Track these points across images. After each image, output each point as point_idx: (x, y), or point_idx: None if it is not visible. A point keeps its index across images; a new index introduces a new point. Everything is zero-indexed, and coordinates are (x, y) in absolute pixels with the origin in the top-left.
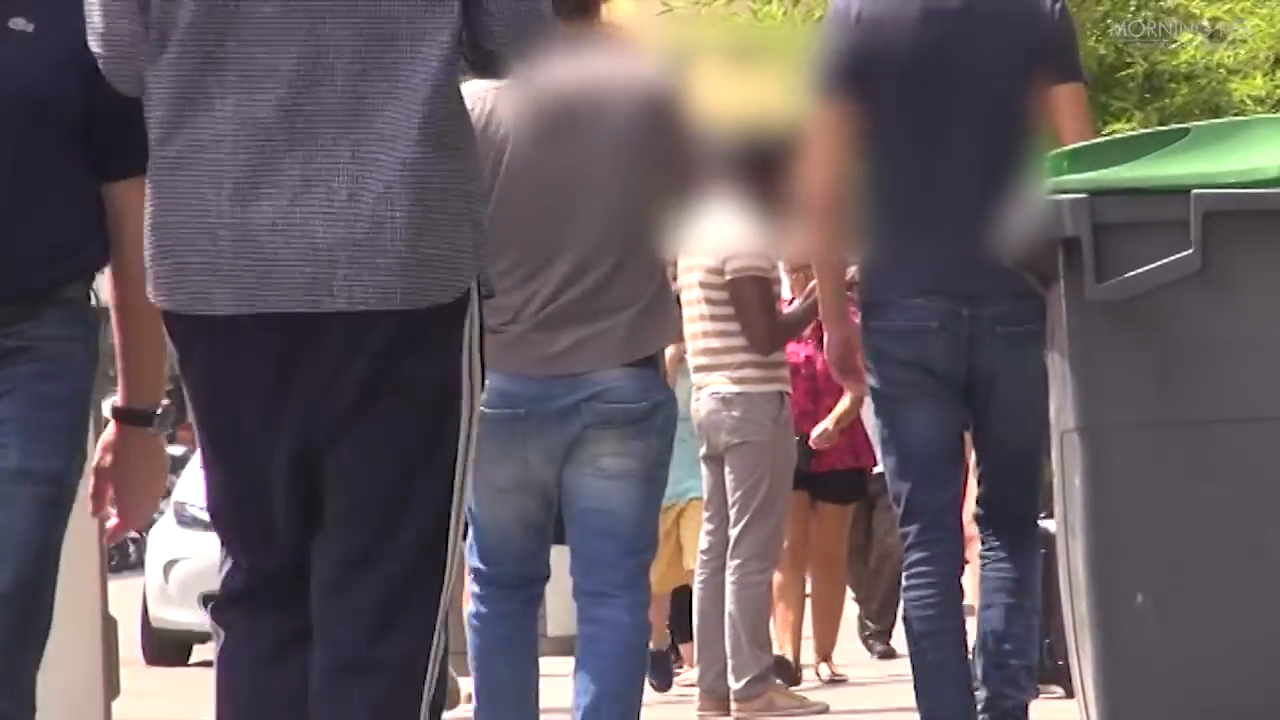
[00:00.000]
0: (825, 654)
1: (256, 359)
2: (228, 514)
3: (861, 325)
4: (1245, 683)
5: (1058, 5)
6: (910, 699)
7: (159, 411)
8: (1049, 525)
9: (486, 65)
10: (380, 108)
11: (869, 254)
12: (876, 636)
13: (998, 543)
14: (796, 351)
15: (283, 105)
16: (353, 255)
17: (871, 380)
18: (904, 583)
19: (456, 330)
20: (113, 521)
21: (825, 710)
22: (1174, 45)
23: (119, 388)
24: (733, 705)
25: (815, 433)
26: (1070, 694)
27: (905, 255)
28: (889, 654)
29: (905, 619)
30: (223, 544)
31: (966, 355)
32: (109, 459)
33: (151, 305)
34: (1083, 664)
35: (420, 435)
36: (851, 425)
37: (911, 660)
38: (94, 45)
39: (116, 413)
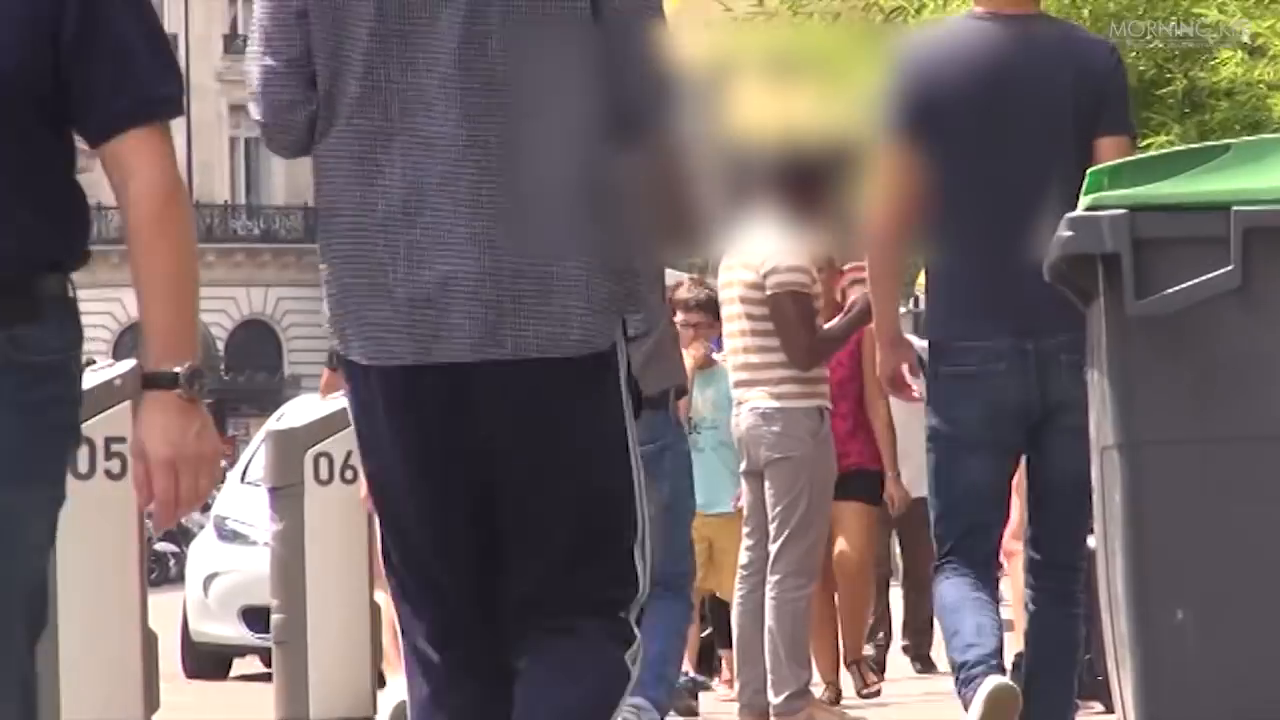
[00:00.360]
0: (856, 657)
1: (432, 403)
2: (389, 515)
3: (930, 366)
4: None
5: (1114, 57)
6: (952, 712)
7: (187, 371)
8: (1090, 542)
9: (627, 126)
10: (543, 170)
11: (934, 292)
12: (915, 655)
13: (1044, 585)
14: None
15: (445, 172)
16: (517, 309)
17: (934, 421)
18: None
19: (614, 371)
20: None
21: None
22: (1214, 61)
23: (142, 353)
24: None
25: None
26: (1110, 709)
27: (969, 295)
28: (928, 668)
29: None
30: (384, 544)
31: (1037, 386)
32: (139, 433)
33: (169, 257)
34: (1123, 680)
35: (591, 470)
36: (867, 426)
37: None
38: (254, 112)
39: (143, 381)
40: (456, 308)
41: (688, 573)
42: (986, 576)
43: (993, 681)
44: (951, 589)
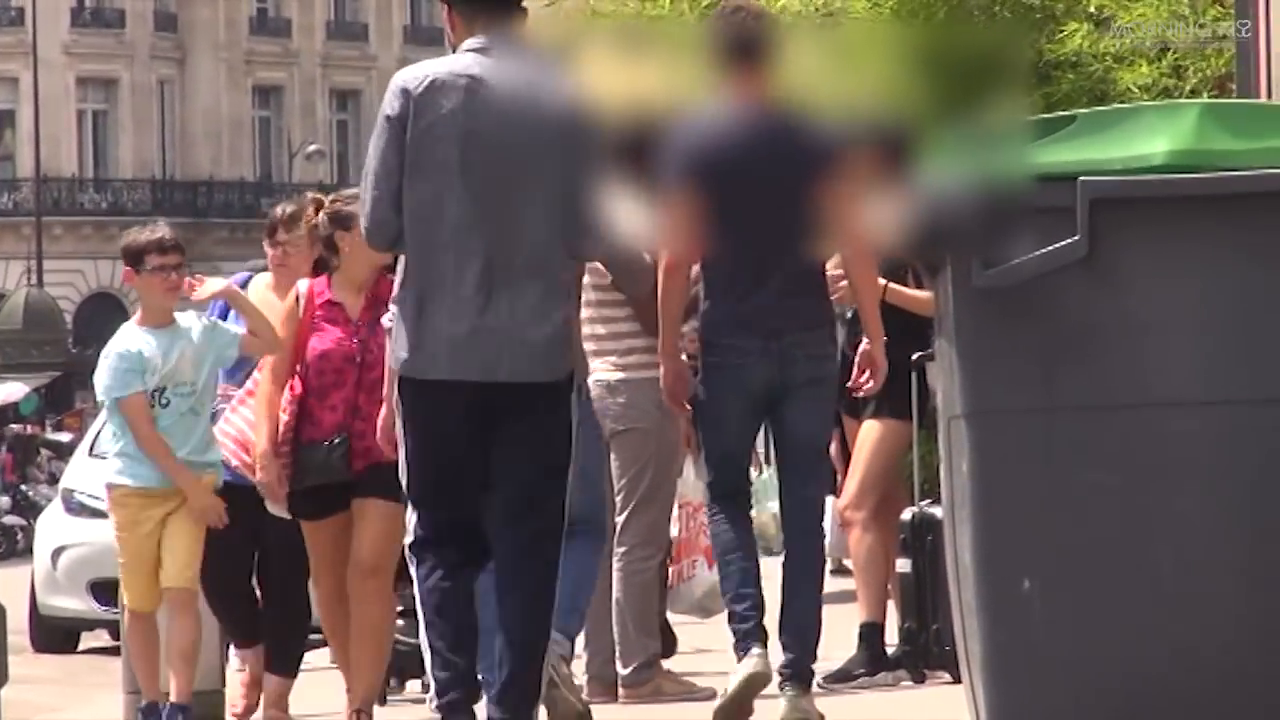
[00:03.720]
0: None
1: (463, 405)
2: (429, 491)
3: (701, 357)
4: (1130, 667)
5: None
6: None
7: None
8: (936, 511)
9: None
10: (538, 265)
11: (707, 303)
12: None
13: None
14: None
15: (488, 258)
16: (513, 348)
17: (702, 398)
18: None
19: (569, 389)
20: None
21: (713, 696)
22: (1061, 34)
23: None
24: (620, 691)
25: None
26: (958, 679)
27: (729, 306)
28: None
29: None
30: (417, 509)
31: (779, 374)
32: None
33: None
34: (970, 649)
35: (550, 445)
36: None
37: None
38: (364, 223)
39: None
40: (479, 347)
41: (605, 518)
42: (746, 524)
43: (751, 664)
44: (725, 533)
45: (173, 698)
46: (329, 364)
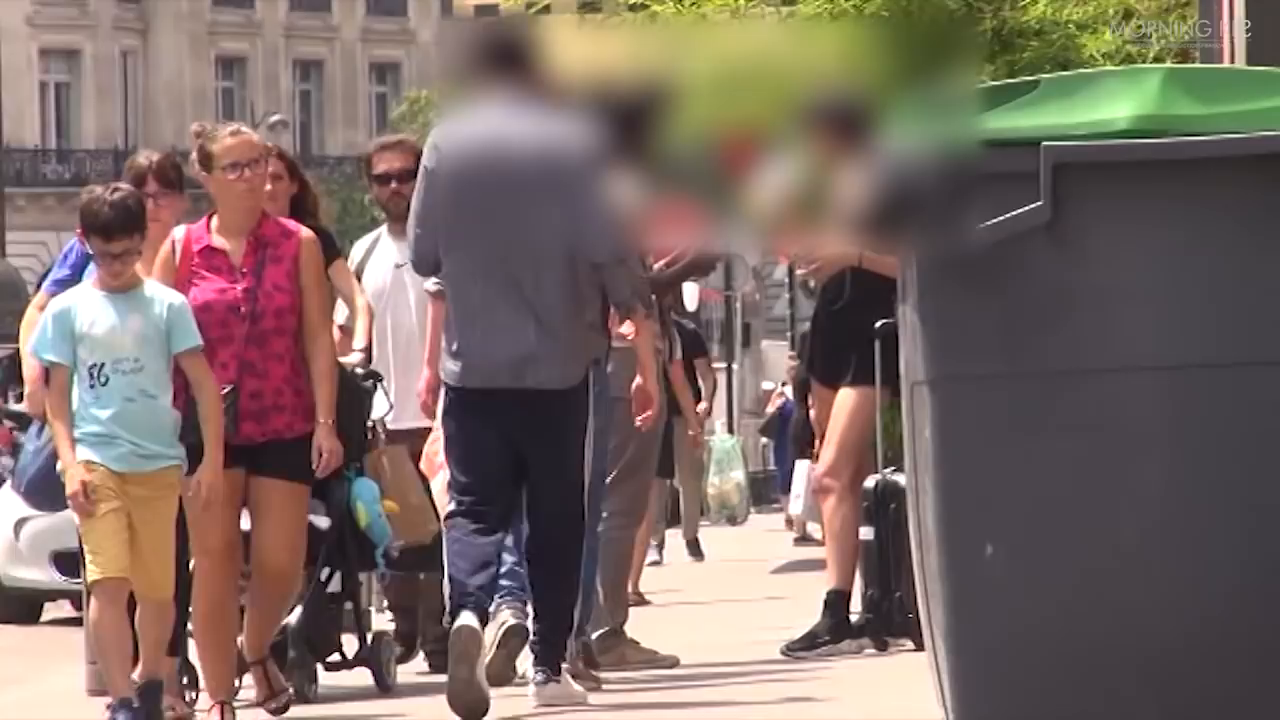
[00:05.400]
0: None
1: (494, 410)
2: (461, 474)
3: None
4: (1095, 633)
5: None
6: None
7: None
8: (899, 479)
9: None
10: (554, 291)
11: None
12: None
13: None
14: None
15: (505, 287)
16: (534, 362)
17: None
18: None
19: (585, 392)
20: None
21: (676, 664)
22: (1024, 1)
23: None
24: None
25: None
26: (921, 647)
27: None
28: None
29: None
30: (452, 489)
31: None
32: None
33: None
34: (933, 616)
35: (564, 449)
36: None
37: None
38: (410, 256)
39: None
40: (504, 359)
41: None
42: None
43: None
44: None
45: (145, 676)
46: (212, 316)
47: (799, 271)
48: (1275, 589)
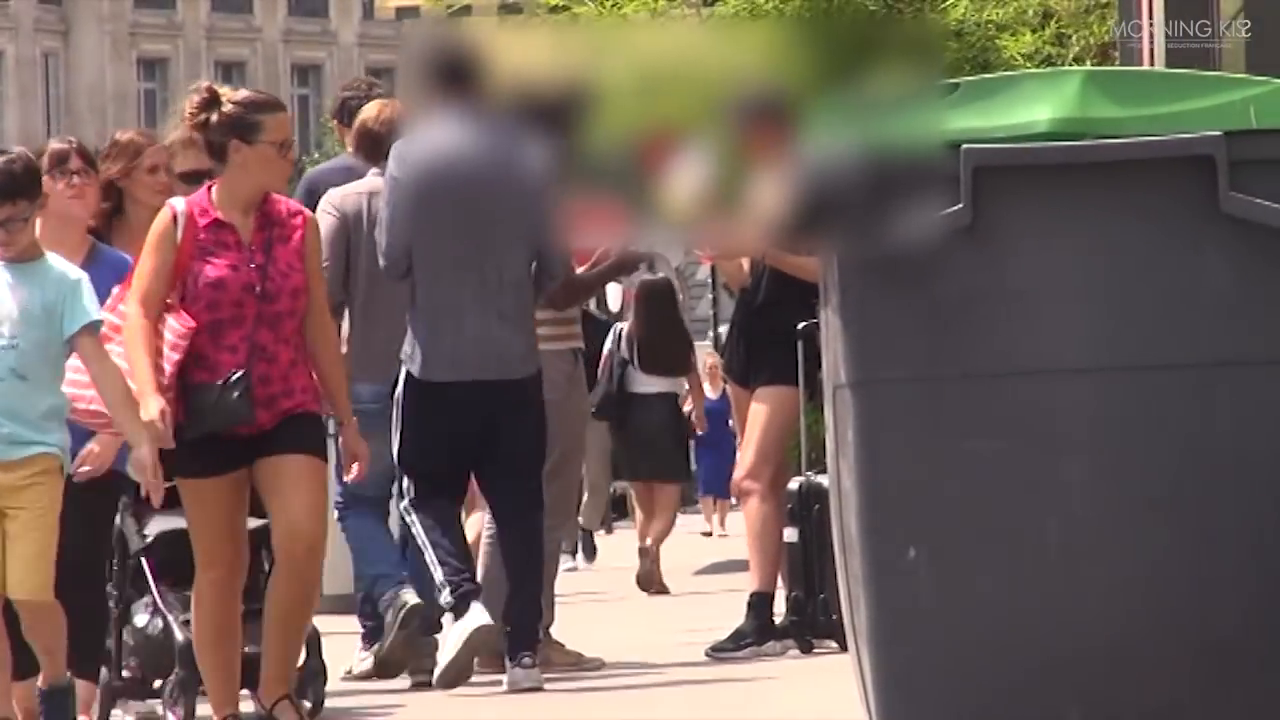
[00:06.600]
0: None
1: (462, 400)
2: (424, 463)
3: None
4: (1016, 634)
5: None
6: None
7: None
8: (823, 481)
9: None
10: (513, 288)
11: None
12: None
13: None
14: None
15: (473, 286)
16: (500, 354)
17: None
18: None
19: (540, 381)
20: None
21: (601, 666)
22: (944, 3)
23: None
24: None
25: None
26: (844, 648)
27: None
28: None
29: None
30: (412, 477)
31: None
32: None
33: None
34: (856, 618)
35: (533, 428)
36: None
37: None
38: (381, 260)
39: None
40: (474, 352)
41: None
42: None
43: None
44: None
45: (48, 683)
46: (225, 295)
47: (696, 252)
48: (1196, 590)
